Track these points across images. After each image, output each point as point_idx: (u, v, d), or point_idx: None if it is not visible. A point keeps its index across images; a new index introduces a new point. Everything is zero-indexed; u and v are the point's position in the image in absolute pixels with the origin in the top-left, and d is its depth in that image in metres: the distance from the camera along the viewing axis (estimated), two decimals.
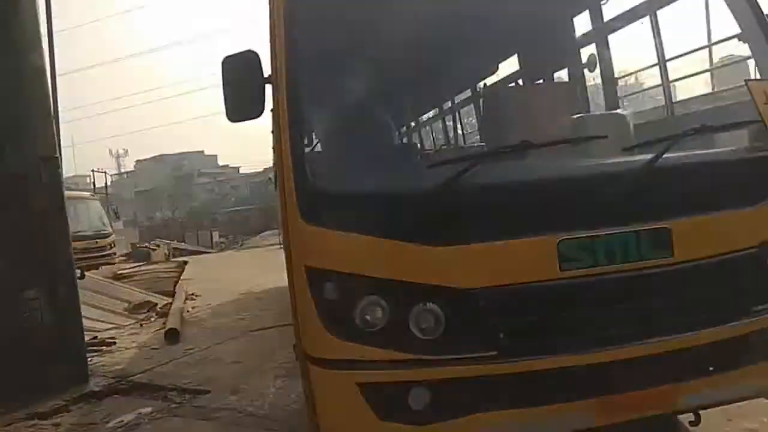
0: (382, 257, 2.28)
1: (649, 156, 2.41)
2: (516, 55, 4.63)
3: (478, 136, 3.12)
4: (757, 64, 2.85)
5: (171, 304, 9.37)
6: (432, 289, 2.27)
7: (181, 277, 13.47)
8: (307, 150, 2.39)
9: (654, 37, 3.64)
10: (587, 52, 3.93)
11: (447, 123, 4.90)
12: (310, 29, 2.55)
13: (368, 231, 2.29)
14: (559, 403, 2.26)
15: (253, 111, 2.63)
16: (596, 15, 3.92)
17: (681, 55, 3.97)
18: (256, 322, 7.80)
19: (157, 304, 9.59)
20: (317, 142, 2.46)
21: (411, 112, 4.14)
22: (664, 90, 3.67)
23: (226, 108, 2.67)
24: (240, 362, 5.89)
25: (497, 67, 4.84)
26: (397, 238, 2.27)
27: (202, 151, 74.94)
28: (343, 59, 3.09)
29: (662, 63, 3.65)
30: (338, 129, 2.76)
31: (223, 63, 2.66)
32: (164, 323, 8.06)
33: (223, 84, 2.65)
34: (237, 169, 71.28)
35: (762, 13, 2.78)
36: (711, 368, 2.34)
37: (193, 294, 10.91)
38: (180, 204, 52.03)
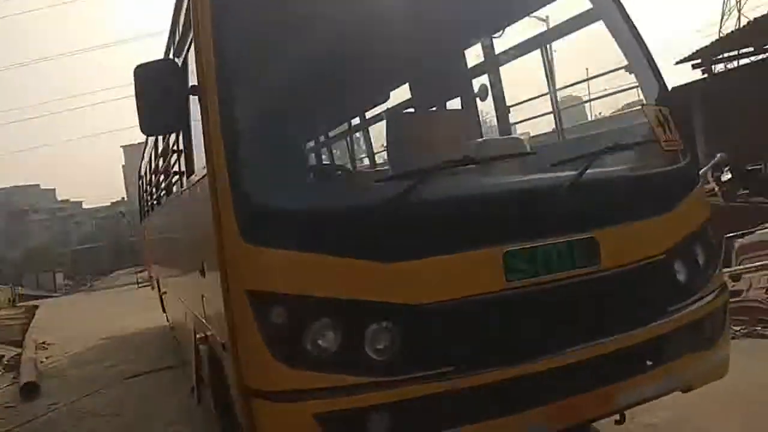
0: (331, 276, 2.16)
1: (574, 171, 2.56)
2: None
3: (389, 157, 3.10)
4: (643, 92, 3.16)
5: (21, 354, 8.20)
6: (384, 307, 2.18)
7: (31, 324, 11.91)
8: (244, 166, 2.22)
9: (545, 67, 3.90)
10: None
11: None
12: (242, 37, 2.40)
13: (315, 249, 2.16)
14: (516, 414, 2.27)
15: (173, 123, 2.41)
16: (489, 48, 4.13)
17: (571, 85, 4.31)
18: (128, 367, 7.07)
19: (3, 356, 8.34)
20: (254, 157, 2.29)
21: (355, 126, 4.01)
22: (555, 116, 3.94)
23: (140, 120, 2.43)
24: (120, 415, 5.26)
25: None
26: (347, 255, 2.17)
27: (38, 185, 68.48)
28: (280, 70, 2.94)
29: (553, 93, 3.92)
30: (279, 143, 2.61)
31: (135, 72, 2.43)
32: (15, 377, 7.04)
33: (136, 94, 2.41)
34: (79, 203, 66.15)
35: (646, 46, 3.11)
36: (644, 366, 2.50)
37: (44, 342, 9.68)
38: (14, 244, 46.40)
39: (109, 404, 5.61)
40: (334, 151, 2.65)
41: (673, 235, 2.69)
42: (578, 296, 2.46)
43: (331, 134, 2.97)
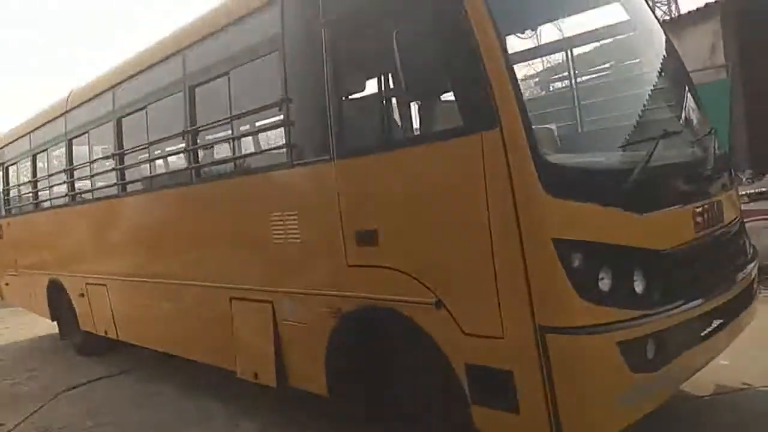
0: (617, 225, 2.53)
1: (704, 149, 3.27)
2: None
3: None
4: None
5: None
6: (644, 252, 2.61)
7: None
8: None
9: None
10: None
11: None
12: None
13: (603, 202, 2.50)
14: (718, 333, 2.87)
15: None
16: None
17: None
18: (59, 379, 6.07)
19: None
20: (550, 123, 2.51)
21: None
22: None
23: None
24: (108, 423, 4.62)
25: None
26: (624, 208, 2.56)
27: None
28: None
29: None
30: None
31: None
32: None
33: None
34: None
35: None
36: (752, 299, 3.28)
37: None
38: None
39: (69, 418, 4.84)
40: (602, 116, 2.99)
41: (737, 206, 3.56)
42: (722, 244, 3.16)
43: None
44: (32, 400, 5.43)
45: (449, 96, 2.82)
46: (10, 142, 8.00)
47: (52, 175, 6.93)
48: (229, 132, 4.37)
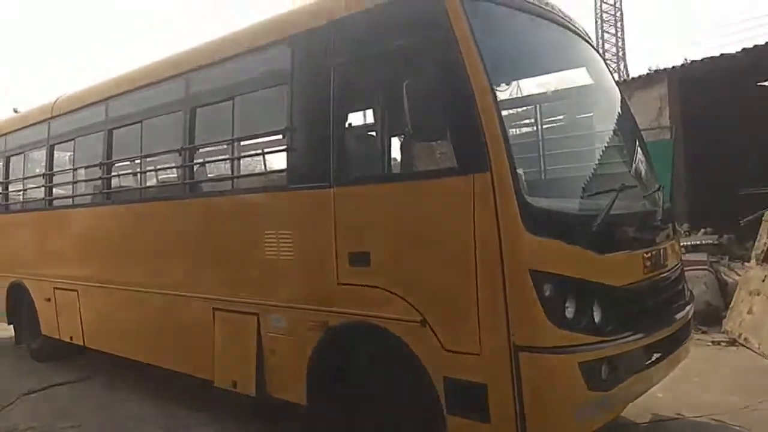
0: (582, 262, 2.96)
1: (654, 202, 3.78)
2: None
3: None
4: None
5: None
6: (601, 287, 3.04)
7: None
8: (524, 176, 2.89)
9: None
10: None
11: None
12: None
13: (571, 241, 2.93)
14: (656, 365, 3.29)
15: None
16: None
17: None
18: (9, 380, 6.04)
19: None
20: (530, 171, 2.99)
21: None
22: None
23: None
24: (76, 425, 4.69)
25: None
26: (588, 248, 2.99)
27: None
28: None
29: None
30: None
31: None
32: None
33: None
34: None
35: None
36: (688, 336, 3.72)
37: None
38: None
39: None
40: (585, 170, 3.41)
41: (679, 255, 4.08)
42: (665, 286, 3.64)
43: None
44: None
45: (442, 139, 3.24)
46: None
47: (27, 178, 6.95)
48: (228, 152, 4.64)
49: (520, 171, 2.90)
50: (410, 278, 3.21)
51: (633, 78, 11.38)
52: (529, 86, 4.36)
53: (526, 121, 4.43)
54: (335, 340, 3.58)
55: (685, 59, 10.56)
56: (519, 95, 4.17)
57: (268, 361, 4.01)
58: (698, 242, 8.41)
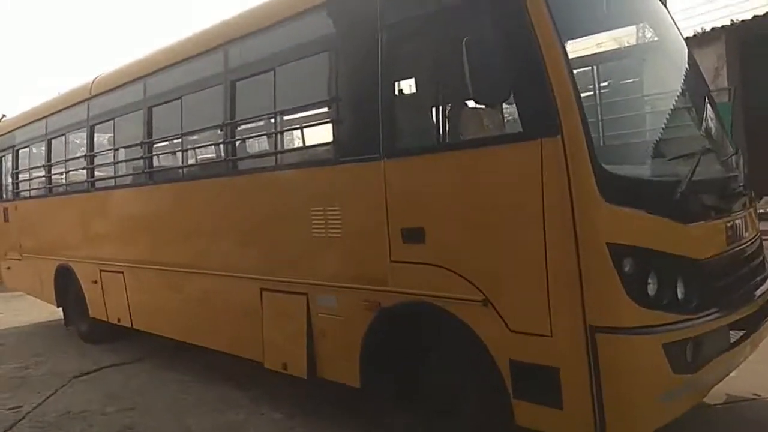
0: (665, 233, 2.68)
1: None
2: None
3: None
4: None
5: None
6: (685, 261, 2.76)
7: None
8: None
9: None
10: None
11: None
12: None
13: (653, 211, 2.65)
14: (742, 342, 3.02)
15: None
16: None
17: None
18: (68, 364, 6.09)
19: None
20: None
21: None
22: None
23: None
24: (129, 408, 4.67)
25: None
26: (672, 218, 2.71)
27: None
28: None
29: None
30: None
31: None
32: None
33: None
34: None
35: None
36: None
37: None
38: None
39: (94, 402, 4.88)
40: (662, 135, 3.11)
41: (757, 225, 3.72)
42: (746, 258, 3.32)
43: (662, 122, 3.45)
44: (44, 384, 5.45)
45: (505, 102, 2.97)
46: (22, 126, 7.98)
47: (69, 160, 6.95)
48: (271, 126, 4.46)
49: (593, 135, 2.62)
50: (470, 254, 2.98)
51: (686, 37, 10.72)
52: (597, 43, 4.02)
53: (595, 82, 4.08)
54: (389, 320, 3.40)
55: (732, 20, 9.79)
56: (587, 53, 3.85)
57: (319, 343, 3.87)
58: (761, 211, 7.91)
